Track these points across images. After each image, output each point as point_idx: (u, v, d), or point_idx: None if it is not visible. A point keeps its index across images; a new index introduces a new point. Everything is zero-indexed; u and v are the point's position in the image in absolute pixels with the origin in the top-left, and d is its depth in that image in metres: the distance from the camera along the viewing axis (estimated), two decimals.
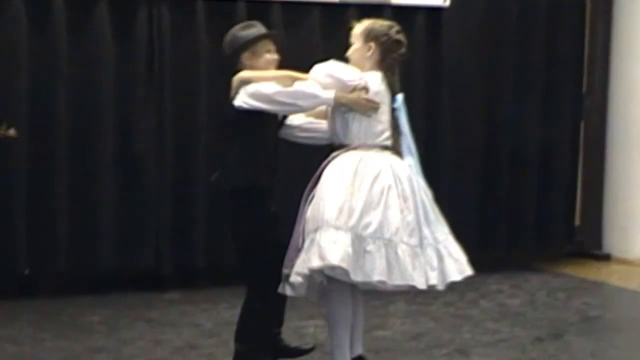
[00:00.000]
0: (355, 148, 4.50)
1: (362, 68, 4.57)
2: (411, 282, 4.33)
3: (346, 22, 6.94)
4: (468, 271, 4.56)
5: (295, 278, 4.38)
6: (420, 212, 4.45)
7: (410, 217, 4.40)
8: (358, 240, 4.28)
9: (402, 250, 4.33)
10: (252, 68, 4.62)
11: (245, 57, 4.66)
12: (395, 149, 4.56)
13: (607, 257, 8.04)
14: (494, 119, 7.58)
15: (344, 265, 4.22)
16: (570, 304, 6.57)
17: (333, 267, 4.25)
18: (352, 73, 4.52)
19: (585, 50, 8.05)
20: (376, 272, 4.27)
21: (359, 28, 4.68)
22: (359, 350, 4.66)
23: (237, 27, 4.78)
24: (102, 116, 6.52)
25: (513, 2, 7.59)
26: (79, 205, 6.50)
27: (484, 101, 7.51)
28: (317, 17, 6.99)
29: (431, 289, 4.43)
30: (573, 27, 7.93)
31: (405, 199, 4.41)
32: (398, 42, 4.62)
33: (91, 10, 6.46)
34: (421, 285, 4.36)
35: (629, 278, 7.45)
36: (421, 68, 7.21)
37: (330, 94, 4.45)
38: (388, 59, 4.59)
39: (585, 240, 8.11)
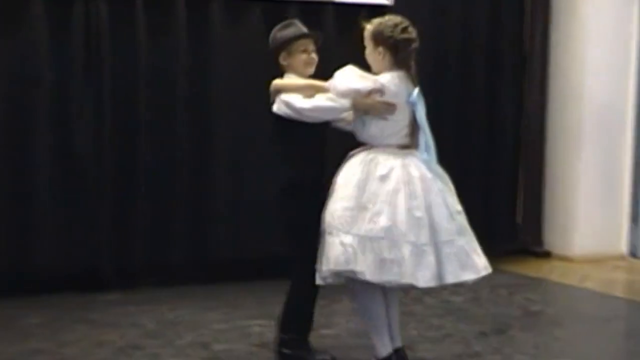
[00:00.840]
0: (370, 148, 4.59)
1: (379, 69, 4.62)
2: (412, 281, 4.39)
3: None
4: (482, 271, 4.63)
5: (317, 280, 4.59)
6: (434, 210, 4.49)
7: (419, 215, 4.44)
8: (363, 242, 4.39)
9: (406, 250, 4.38)
10: (289, 67, 4.80)
11: (282, 57, 4.82)
12: (413, 146, 4.62)
13: (547, 255, 8.14)
14: (438, 118, 7.56)
15: (340, 268, 4.40)
16: (512, 300, 6.63)
17: (337, 272, 4.44)
18: (366, 79, 4.57)
19: (525, 52, 8.13)
20: (377, 271, 4.38)
21: (368, 31, 4.69)
22: (397, 343, 4.74)
23: (278, 26, 4.89)
24: (39, 114, 6.37)
25: (456, 2, 7.63)
26: (16, 204, 6.35)
27: (427, 100, 7.50)
28: (258, 15, 6.93)
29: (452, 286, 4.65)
30: (513, 28, 8.02)
31: (415, 198, 4.46)
32: (405, 40, 4.62)
33: (26, 5, 6.31)
34: (422, 283, 4.41)
35: (568, 274, 7.54)
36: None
37: (347, 103, 4.54)
38: (400, 58, 4.61)
39: (526, 238, 8.19)
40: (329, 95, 4.58)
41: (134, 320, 5.87)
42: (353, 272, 4.40)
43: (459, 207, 4.67)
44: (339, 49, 7.02)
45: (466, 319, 6.06)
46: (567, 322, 6.21)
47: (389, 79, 4.56)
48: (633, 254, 8.13)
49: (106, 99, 6.51)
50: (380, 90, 4.53)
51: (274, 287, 5.83)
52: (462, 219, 4.65)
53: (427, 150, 4.62)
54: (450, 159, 7.58)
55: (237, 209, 6.89)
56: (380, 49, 4.61)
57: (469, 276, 4.59)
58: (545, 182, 8.23)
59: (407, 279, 4.39)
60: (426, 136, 4.62)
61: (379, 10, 7.16)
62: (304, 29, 4.85)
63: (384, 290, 4.65)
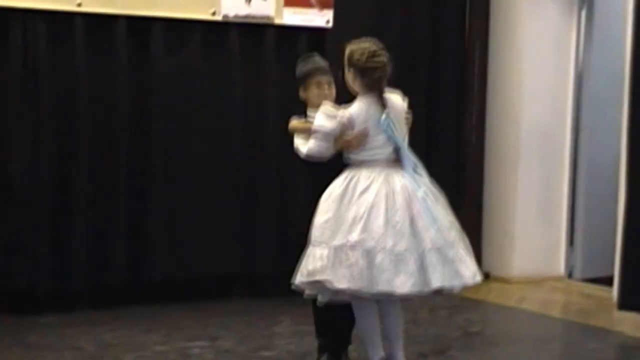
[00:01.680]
0: (356, 165, 4.75)
1: (355, 91, 4.80)
2: (388, 289, 4.49)
3: (227, 42, 7.04)
4: (468, 280, 4.71)
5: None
6: (418, 221, 4.59)
7: (398, 225, 4.55)
8: (336, 253, 4.53)
9: (382, 258, 4.48)
10: (306, 101, 5.07)
11: (301, 91, 5.10)
12: (395, 160, 4.76)
13: (486, 276, 8.16)
14: None
15: (310, 279, 4.57)
16: (452, 321, 6.67)
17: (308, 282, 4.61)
18: (332, 119, 4.74)
19: (464, 74, 8.23)
20: (344, 280, 4.49)
21: (345, 54, 4.85)
22: (394, 354, 4.88)
23: (301, 58, 5.23)
24: None
25: (395, 25, 7.71)
26: None
27: None
28: (199, 37, 6.93)
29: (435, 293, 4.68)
30: (454, 53, 8.11)
31: (395, 209, 4.58)
32: (370, 68, 4.74)
33: None
34: (401, 290, 4.51)
35: (507, 295, 7.61)
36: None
37: (330, 142, 4.77)
38: (368, 82, 4.76)
39: None
40: (317, 136, 4.78)
41: (71, 342, 5.80)
42: (322, 281, 4.52)
43: (450, 218, 4.77)
44: (278, 71, 7.09)
45: (406, 340, 6.04)
46: (506, 343, 6.26)
47: (356, 109, 4.74)
48: (570, 276, 8.21)
49: (44, 120, 6.44)
50: (348, 124, 4.71)
51: (214, 308, 5.86)
52: (453, 230, 4.73)
53: (411, 165, 4.77)
54: None
55: (175, 229, 6.86)
56: (351, 72, 4.77)
57: (454, 283, 4.67)
58: (484, 205, 8.30)
59: (382, 287, 4.48)
60: (403, 152, 4.76)
61: (319, 33, 7.23)
62: (320, 64, 5.08)
63: (380, 305, 4.81)
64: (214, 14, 6.90)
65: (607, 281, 7.21)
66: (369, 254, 4.50)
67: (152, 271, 6.82)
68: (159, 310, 6.62)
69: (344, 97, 4.92)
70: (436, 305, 7.07)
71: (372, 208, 4.57)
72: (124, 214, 6.70)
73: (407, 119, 4.96)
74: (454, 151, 8.16)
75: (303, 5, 7.21)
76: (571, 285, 8.04)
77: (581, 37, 8.19)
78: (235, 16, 6.98)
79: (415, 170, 4.78)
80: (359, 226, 4.54)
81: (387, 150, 4.76)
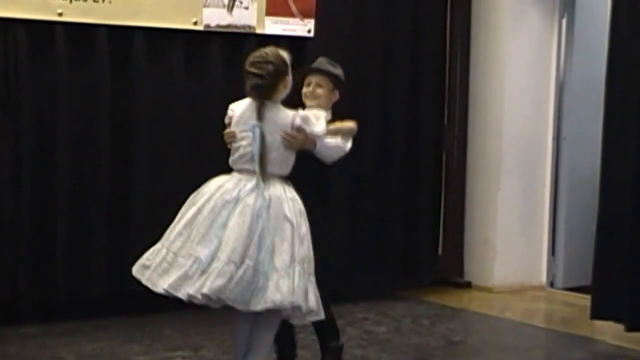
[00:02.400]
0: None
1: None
2: (149, 286, 4.65)
3: (209, 52, 7.03)
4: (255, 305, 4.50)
5: None
6: (230, 231, 4.52)
7: (203, 230, 4.56)
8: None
9: (159, 258, 4.66)
10: None
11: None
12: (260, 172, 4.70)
13: (468, 285, 8.21)
14: (359, 150, 7.62)
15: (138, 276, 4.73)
16: (434, 330, 6.68)
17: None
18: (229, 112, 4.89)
19: (445, 84, 8.26)
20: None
21: None
22: None
23: None
24: None
25: (377, 33, 7.73)
26: None
27: None
28: (181, 46, 6.93)
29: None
30: (434, 63, 8.12)
31: (202, 216, 4.61)
32: (247, 73, 4.80)
33: None
34: (154, 287, 4.63)
35: (489, 305, 7.65)
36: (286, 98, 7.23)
37: None
38: (247, 88, 4.82)
39: (447, 269, 8.26)
40: None
41: (52, 353, 5.78)
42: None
43: (285, 247, 4.57)
44: None
45: (389, 349, 6.09)
46: (488, 352, 6.29)
47: (238, 106, 4.86)
48: (552, 285, 8.24)
49: (25, 130, 6.40)
50: (230, 119, 4.87)
51: (195, 318, 5.81)
52: (271, 251, 4.54)
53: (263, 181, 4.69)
54: (372, 191, 7.73)
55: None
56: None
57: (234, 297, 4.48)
58: (465, 214, 8.33)
59: (151, 285, 4.64)
60: (255, 165, 4.70)
61: (300, 42, 7.23)
62: (319, 64, 5.27)
63: (242, 318, 4.71)
64: (195, 23, 6.90)
65: (589, 290, 7.20)
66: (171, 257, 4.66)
67: (133, 282, 6.74)
68: (140, 320, 6.58)
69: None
70: (419, 315, 7.10)
71: (189, 213, 4.71)
72: (104, 224, 6.67)
73: (285, 138, 4.77)
74: (435, 161, 8.17)
75: (285, 14, 7.22)
76: (553, 294, 8.08)
77: (562, 46, 8.23)
78: (217, 26, 6.98)
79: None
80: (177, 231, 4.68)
81: (246, 159, 4.74)
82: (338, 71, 5.27)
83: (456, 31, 8.24)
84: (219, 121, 6.98)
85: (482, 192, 8.23)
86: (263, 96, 4.75)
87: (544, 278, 8.27)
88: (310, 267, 4.63)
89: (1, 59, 6.32)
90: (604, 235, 6.48)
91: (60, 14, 6.40)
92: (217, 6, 6.97)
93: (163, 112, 6.86)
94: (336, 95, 5.24)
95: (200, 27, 6.91)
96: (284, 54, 4.83)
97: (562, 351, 6.32)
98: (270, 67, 4.74)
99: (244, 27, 7.07)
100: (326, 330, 5.27)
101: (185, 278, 4.52)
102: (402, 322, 6.86)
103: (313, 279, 4.63)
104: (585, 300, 7.34)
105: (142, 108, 6.79)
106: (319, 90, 5.16)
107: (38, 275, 6.46)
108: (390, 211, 7.83)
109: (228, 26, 7.02)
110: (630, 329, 6.30)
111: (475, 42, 8.28)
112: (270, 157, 4.71)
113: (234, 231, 4.52)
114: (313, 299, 4.60)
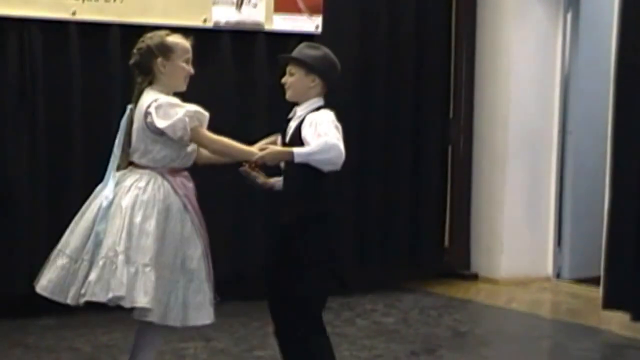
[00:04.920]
0: None
1: None
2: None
3: (219, 49, 7.13)
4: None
5: None
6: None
7: (78, 229, 4.43)
8: None
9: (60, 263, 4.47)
10: None
11: None
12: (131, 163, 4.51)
13: (474, 277, 8.29)
14: (366, 143, 7.76)
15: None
16: (441, 321, 6.78)
17: None
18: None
19: (451, 78, 8.34)
20: None
21: None
22: None
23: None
24: None
25: (383, 28, 7.82)
26: None
27: (355, 126, 7.65)
28: (191, 43, 6.99)
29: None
30: (440, 57, 8.21)
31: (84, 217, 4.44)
32: None
33: None
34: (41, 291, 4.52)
35: (495, 296, 7.72)
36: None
37: None
38: None
39: (453, 261, 8.35)
40: None
41: (69, 344, 5.90)
42: None
43: (113, 228, 4.33)
44: (270, 76, 7.18)
45: (397, 339, 6.18)
46: (495, 342, 6.38)
47: None
48: (558, 276, 8.31)
49: (40, 127, 6.53)
50: None
51: None
52: (98, 242, 4.33)
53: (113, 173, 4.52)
54: (379, 184, 7.83)
55: None
56: None
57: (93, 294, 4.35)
58: (471, 206, 8.40)
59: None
60: (118, 151, 4.56)
61: (308, 38, 7.31)
62: (295, 52, 4.56)
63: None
64: (205, 21, 7.00)
65: (595, 281, 7.27)
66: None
67: None
68: None
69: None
70: (426, 306, 7.19)
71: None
72: None
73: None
74: (442, 154, 8.27)
75: (293, 11, 7.31)
76: (559, 286, 8.15)
77: (567, 40, 8.29)
78: (226, 23, 7.09)
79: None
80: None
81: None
82: (312, 53, 4.50)
83: (462, 26, 8.32)
84: (229, 117, 7.15)
85: (489, 185, 8.31)
86: (139, 75, 4.50)
87: (550, 270, 8.34)
88: (144, 257, 4.21)
89: (17, 57, 6.45)
90: (614, 225, 6.57)
91: (73, 13, 6.52)
92: (226, 4, 7.08)
93: None
94: (316, 81, 4.49)
95: (209, 25, 7.02)
96: (171, 39, 4.50)
97: (569, 341, 6.39)
98: (142, 45, 4.49)
99: (252, 24, 7.17)
100: None
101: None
102: (410, 313, 6.95)
103: (148, 269, 4.21)
104: (591, 291, 7.43)
105: None
106: (290, 79, 4.50)
107: None
108: (398, 204, 7.93)
109: (237, 23, 7.12)
110: (637, 318, 6.39)
111: (480, 37, 8.35)
112: (134, 145, 4.46)
113: (79, 225, 4.45)
114: (142, 291, 4.20)
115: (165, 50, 4.48)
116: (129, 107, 4.50)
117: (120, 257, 4.20)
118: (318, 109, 4.51)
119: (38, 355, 5.65)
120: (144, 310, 4.23)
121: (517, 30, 8.18)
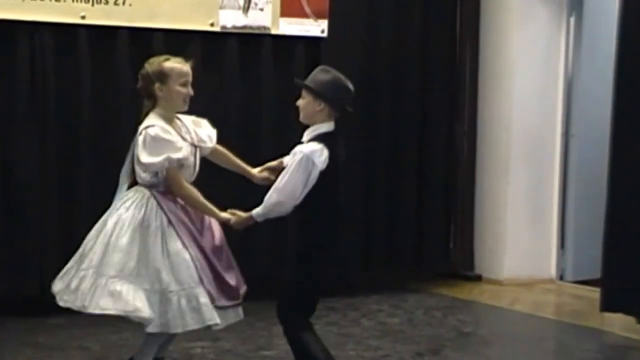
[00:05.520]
0: None
1: None
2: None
3: (226, 52, 7.18)
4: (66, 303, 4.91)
5: None
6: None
7: (89, 245, 4.85)
8: None
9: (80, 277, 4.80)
10: None
11: None
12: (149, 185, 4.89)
13: (478, 278, 8.33)
14: (371, 146, 7.82)
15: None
16: (446, 322, 6.83)
17: None
18: None
19: (455, 82, 8.38)
20: None
21: None
22: None
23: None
24: None
25: (388, 32, 7.87)
26: None
27: (362, 128, 7.72)
28: (198, 46, 7.08)
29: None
30: (445, 60, 8.26)
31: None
32: None
33: None
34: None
35: (499, 297, 7.76)
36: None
37: None
38: None
39: (458, 262, 8.40)
40: None
41: (79, 343, 5.96)
42: None
43: (95, 243, 4.90)
44: (276, 79, 7.25)
45: (402, 339, 6.23)
46: (499, 343, 6.42)
47: None
48: (561, 278, 8.34)
49: (50, 130, 6.61)
50: None
51: None
52: (98, 251, 4.81)
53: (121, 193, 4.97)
54: (384, 186, 7.88)
55: None
56: None
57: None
58: (475, 208, 8.45)
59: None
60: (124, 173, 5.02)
61: (314, 42, 7.40)
62: (309, 79, 4.75)
63: None
64: (212, 24, 7.07)
65: (598, 283, 7.27)
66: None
67: None
68: None
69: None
70: (431, 306, 7.23)
71: None
72: None
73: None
74: (446, 156, 8.31)
75: (299, 15, 7.36)
76: (562, 287, 8.18)
77: (570, 43, 8.32)
78: (233, 27, 7.15)
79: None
80: None
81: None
82: (322, 78, 4.66)
83: (466, 29, 8.37)
84: (237, 120, 7.22)
85: (492, 187, 8.35)
86: (144, 98, 4.90)
87: (553, 271, 8.38)
88: (108, 270, 4.70)
89: (27, 61, 6.53)
90: (612, 227, 6.60)
91: (83, 17, 6.60)
92: (233, 7, 7.14)
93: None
94: (322, 106, 4.63)
95: (216, 28, 7.08)
96: (168, 64, 4.84)
97: (572, 342, 6.42)
98: (144, 71, 4.88)
99: (259, 27, 7.23)
100: None
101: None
102: (415, 313, 7.00)
103: (113, 281, 4.70)
104: (594, 293, 7.41)
105: None
106: (301, 103, 4.69)
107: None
108: (402, 206, 7.98)
109: (244, 27, 7.18)
110: None
111: (484, 40, 8.38)
112: (135, 166, 4.87)
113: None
114: (104, 301, 4.75)
115: (162, 76, 4.82)
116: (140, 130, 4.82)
117: (91, 271, 4.74)
118: (317, 137, 4.64)
119: (48, 354, 5.71)
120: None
121: (520, 34, 8.22)
